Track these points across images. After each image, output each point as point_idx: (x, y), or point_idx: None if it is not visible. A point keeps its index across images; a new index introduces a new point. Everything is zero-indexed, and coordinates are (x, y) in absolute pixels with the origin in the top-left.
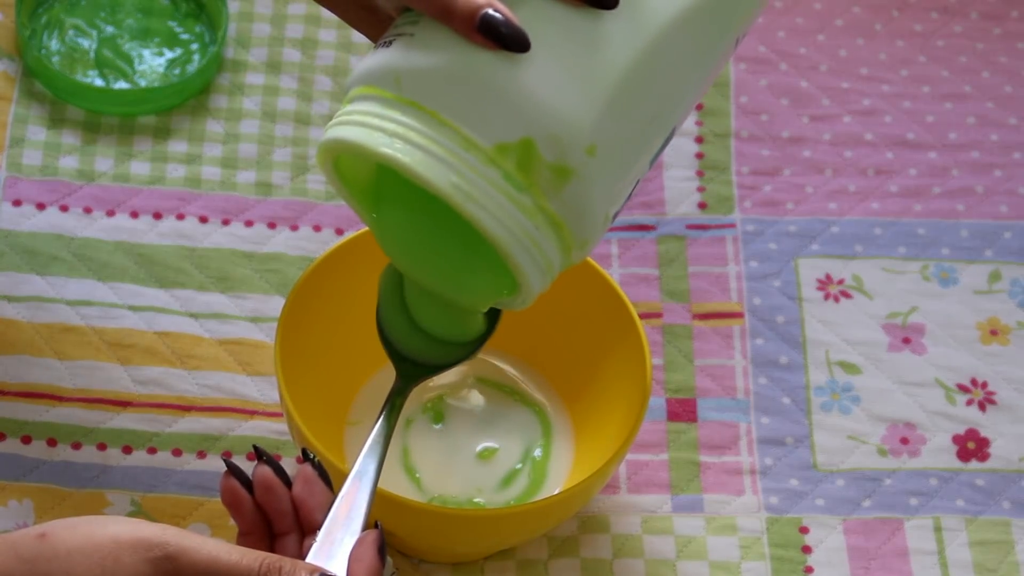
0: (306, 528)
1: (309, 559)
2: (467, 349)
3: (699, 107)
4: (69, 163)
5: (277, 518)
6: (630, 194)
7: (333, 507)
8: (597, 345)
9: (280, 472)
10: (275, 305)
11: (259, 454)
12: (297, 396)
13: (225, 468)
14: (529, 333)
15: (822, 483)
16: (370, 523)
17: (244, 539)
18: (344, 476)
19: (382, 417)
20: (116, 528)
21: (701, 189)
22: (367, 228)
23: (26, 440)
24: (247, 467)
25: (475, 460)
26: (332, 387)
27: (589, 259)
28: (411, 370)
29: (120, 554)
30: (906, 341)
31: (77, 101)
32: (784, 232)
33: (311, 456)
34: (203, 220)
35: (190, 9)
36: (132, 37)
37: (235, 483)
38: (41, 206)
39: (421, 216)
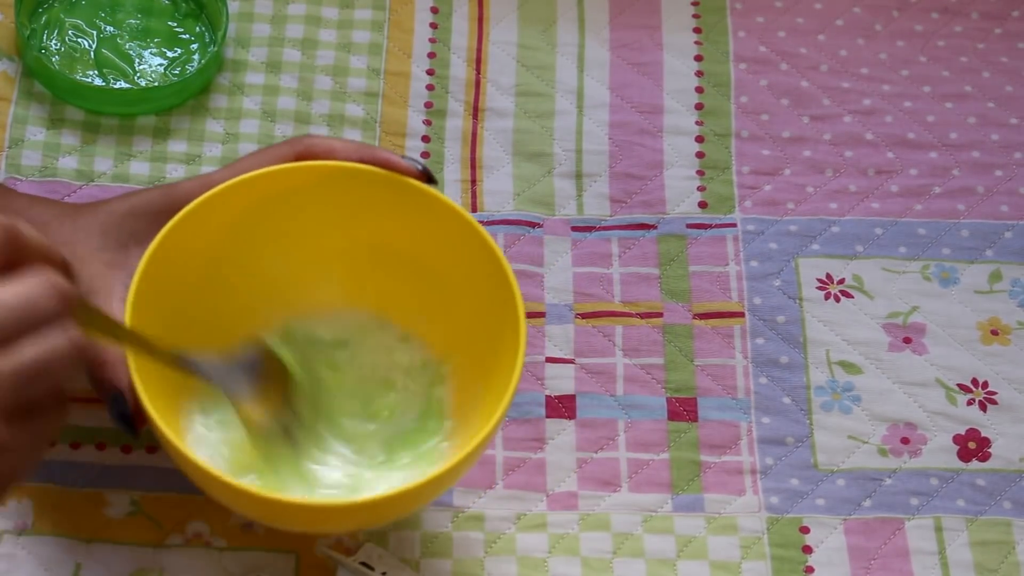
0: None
1: None
2: None
3: (699, 107)
4: (69, 163)
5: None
6: None
7: None
8: (478, 316)
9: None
10: None
11: None
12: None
13: None
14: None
15: (823, 483)
16: None
17: None
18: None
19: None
20: None
21: (702, 188)
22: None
23: None
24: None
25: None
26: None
27: (461, 211)
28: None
29: None
30: (907, 341)
31: (77, 101)
32: (784, 232)
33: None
34: None
35: (190, 9)
36: (132, 37)
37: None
38: None
39: None
